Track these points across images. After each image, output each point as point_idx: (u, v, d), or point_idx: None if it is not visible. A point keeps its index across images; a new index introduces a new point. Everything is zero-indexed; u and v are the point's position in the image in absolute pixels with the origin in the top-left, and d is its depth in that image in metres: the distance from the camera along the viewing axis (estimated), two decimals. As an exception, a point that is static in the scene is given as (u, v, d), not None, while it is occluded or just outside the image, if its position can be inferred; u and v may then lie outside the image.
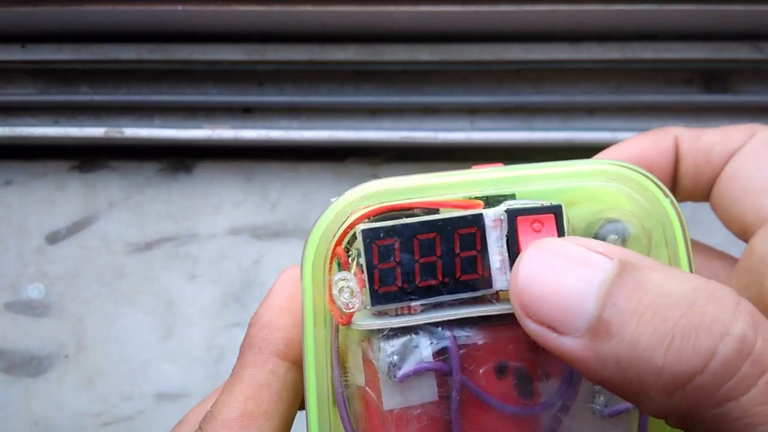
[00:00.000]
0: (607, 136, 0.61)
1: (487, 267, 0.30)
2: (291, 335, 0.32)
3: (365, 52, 0.62)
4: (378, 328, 0.30)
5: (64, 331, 0.64)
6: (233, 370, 0.33)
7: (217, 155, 0.65)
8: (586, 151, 0.40)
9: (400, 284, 0.30)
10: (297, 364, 0.32)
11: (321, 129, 0.63)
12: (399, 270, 0.30)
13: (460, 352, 0.30)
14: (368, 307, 0.30)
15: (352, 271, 0.31)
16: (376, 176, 0.61)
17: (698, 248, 0.40)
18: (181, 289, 0.64)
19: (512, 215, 0.30)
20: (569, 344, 0.26)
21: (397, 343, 0.30)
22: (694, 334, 0.25)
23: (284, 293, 0.33)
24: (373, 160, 0.65)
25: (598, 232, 0.31)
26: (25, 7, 0.59)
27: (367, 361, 0.31)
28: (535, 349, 0.30)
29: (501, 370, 0.31)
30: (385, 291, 0.30)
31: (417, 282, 0.30)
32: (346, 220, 0.31)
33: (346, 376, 0.31)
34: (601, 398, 0.31)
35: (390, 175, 0.32)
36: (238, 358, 0.33)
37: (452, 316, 0.30)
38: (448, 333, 0.30)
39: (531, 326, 0.28)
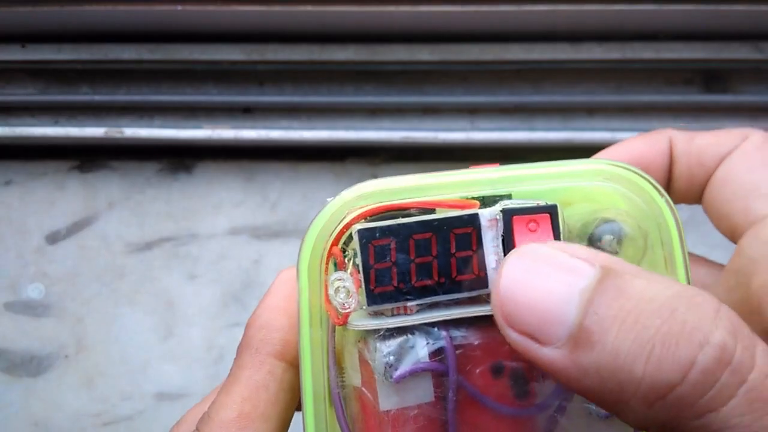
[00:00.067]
0: (607, 136, 0.61)
1: (482, 267, 0.30)
2: (288, 336, 0.32)
3: (365, 52, 0.62)
4: (374, 328, 0.30)
5: (64, 331, 0.64)
6: (230, 370, 0.33)
7: (217, 155, 0.65)
8: (587, 151, 0.40)
9: (396, 284, 0.30)
10: (294, 365, 0.32)
11: (321, 129, 0.63)
12: (395, 270, 0.30)
13: (457, 352, 0.30)
14: (364, 308, 0.30)
15: (349, 271, 0.30)
16: (376, 176, 0.61)
17: None
18: (181, 289, 0.64)
19: (508, 215, 0.30)
20: (550, 355, 0.26)
21: (393, 344, 0.30)
22: (674, 343, 0.24)
23: (282, 294, 0.33)
24: (373, 160, 0.65)
25: (593, 232, 0.31)
26: (25, 7, 0.59)
27: (363, 362, 0.31)
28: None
29: (497, 371, 0.31)
30: (381, 291, 0.30)
31: (413, 282, 0.30)
32: (342, 220, 0.31)
33: (342, 377, 0.31)
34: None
35: (390, 175, 0.32)
36: (235, 358, 0.33)
37: (448, 316, 0.30)
38: (444, 333, 0.30)
39: (513, 336, 0.27)
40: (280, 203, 0.65)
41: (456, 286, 0.30)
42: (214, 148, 0.65)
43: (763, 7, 0.57)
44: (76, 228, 0.65)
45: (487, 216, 0.30)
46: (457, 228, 0.30)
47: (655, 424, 0.25)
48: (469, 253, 0.30)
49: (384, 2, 0.58)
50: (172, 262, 0.64)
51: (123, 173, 0.65)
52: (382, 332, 0.30)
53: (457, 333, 0.30)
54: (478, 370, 0.30)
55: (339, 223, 0.31)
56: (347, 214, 0.31)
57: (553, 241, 0.29)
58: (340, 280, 0.30)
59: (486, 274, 0.30)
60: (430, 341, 0.30)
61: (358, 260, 0.30)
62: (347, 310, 0.30)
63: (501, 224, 0.30)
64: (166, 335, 0.64)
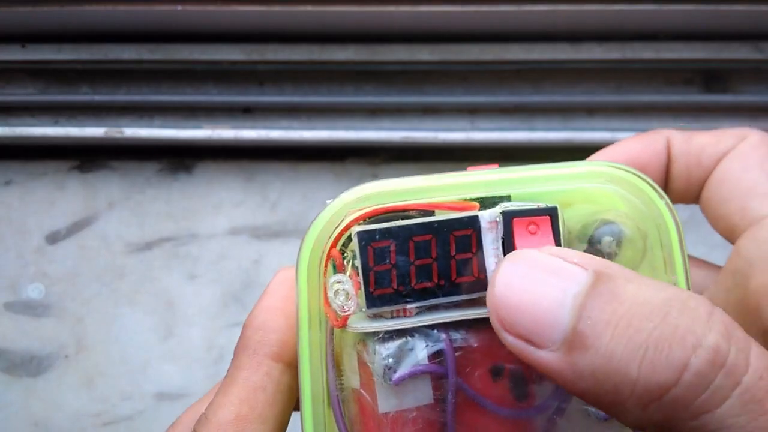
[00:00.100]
0: (607, 136, 0.61)
1: (482, 269, 0.30)
2: (286, 337, 0.32)
3: (365, 52, 0.62)
4: (373, 330, 0.30)
5: (64, 331, 0.64)
6: (228, 371, 0.33)
7: (217, 155, 0.65)
8: (587, 151, 0.40)
9: (395, 286, 0.30)
10: (292, 366, 0.32)
11: (321, 129, 0.63)
12: (394, 272, 0.30)
13: (456, 354, 0.30)
14: (363, 310, 0.30)
15: (348, 273, 0.30)
16: (376, 176, 0.61)
17: None
18: (181, 289, 0.64)
19: (508, 217, 0.30)
20: (546, 357, 0.26)
21: (392, 346, 0.30)
22: (667, 346, 0.25)
23: (279, 294, 0.33)
24: (373, 160, 0.65)
25: (593, 233, 0.31)
26: (25, 7, 0.59)
27: (362, 364, 0.31)
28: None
29: (496, 373, 0.31)
30: (380, 293, 0.30)
31: (412, 284, 0.30)
32: (341, 222, 0.31)
33: (341, 379, 0.31)
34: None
35: (390, 176, 0.32)
36: (232, 359, 0.33)
37: (448, 318, 0.30)
38: (443, 335, 0.30)
39: (509, 339, 0.27)
40: (280, 203, 0.65)
41: (455, 289, 0.30)
42: (214, 148, 0.65)
43: (763, 7, 0.57)
44: (76, 228, 0.65)
45: (487, 218, 0.30)
46: (457, 230, 0.30)
47: (652, 425, 0.26)
48: (469, 255, 0.30)
49: (384, 2, 0.58)
50: (172, 262, 0.64)
51: (123, 173, 0.65)
52: (381, 334, 0.30)
53: (457, 335, 0.30)
54: (477, 373, 0.30)
55: (338, 225, 0.31)
56: (347, 215, 0.31)
57: (547, 246, 0.29)
58: (339, 282, 0.30)
59: (486, 276, 0.30)
60: (430, 343, 0.30)
61: (358, 262, 0.30)
62: (346, 313, 0.30)
63: (501, 226, 0.30)
64: (166, 335, 0.64)
